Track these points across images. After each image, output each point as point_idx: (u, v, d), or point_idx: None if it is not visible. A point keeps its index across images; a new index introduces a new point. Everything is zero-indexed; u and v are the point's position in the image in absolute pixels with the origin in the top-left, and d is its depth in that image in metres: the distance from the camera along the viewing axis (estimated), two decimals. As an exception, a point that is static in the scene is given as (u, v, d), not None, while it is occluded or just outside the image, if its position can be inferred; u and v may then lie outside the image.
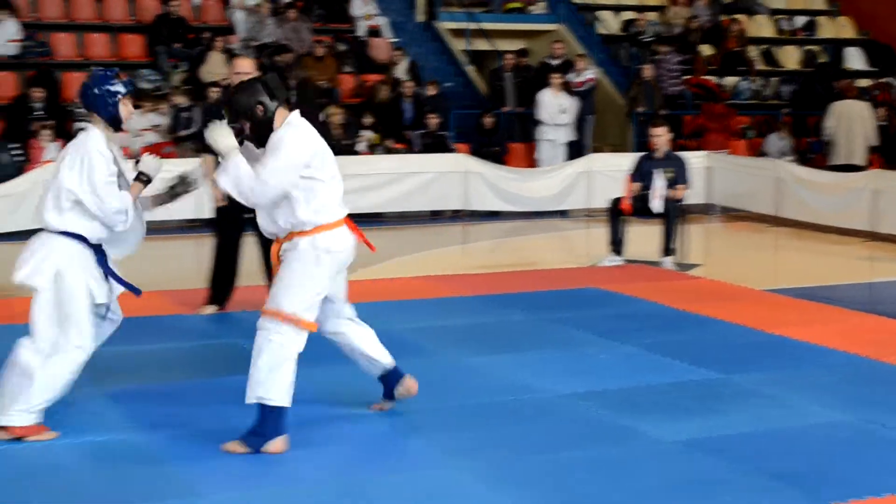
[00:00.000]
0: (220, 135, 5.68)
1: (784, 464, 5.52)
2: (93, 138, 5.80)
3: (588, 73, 18.08)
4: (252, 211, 5.94)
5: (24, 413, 5.71)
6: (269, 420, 5.60)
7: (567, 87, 17.34)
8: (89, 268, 5.82)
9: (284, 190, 5.64)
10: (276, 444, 5.60)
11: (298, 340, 5.68)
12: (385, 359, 6.20)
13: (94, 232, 5.81)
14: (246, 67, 8.83)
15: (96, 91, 5.84)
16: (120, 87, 5.87)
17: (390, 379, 6.23)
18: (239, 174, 5.60)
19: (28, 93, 15.36)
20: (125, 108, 5.89)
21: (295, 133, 5.72)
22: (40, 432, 5.76)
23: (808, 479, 5.32)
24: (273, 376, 5.58)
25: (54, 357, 5.72)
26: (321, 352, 6.15)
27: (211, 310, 9.03)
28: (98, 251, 5.88)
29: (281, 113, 5.76)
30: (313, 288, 5.71)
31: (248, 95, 5.72)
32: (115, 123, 5.90)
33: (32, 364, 5.70)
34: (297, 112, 5.85)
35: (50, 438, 5.74)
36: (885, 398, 6.66)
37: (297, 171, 5.64)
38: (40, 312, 5.75)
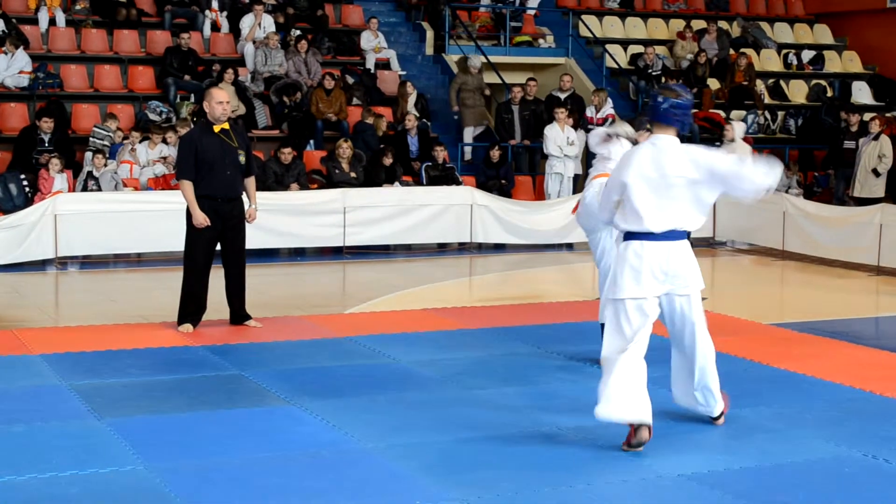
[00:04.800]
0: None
1: (788, 498, 5.51)
2: None
3: (607, 108, 18.13)
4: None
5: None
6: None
7: (575, 121, 17.37)
8: None
9: None
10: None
11: None
12: None
13: None
14: (225, 97, 9.29)
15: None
16: None
17: None
18: None
19: (37, 123, 15.40)
20: None
21: None
22: None
23: (811, 515, 5.31)
24: None
25: None
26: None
27: (188, 328, 9.32)
28: None
29: None
30: None
31: None
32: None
33: None
34: None
35: None
36: (891, 433, 6.64)
37: None
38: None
